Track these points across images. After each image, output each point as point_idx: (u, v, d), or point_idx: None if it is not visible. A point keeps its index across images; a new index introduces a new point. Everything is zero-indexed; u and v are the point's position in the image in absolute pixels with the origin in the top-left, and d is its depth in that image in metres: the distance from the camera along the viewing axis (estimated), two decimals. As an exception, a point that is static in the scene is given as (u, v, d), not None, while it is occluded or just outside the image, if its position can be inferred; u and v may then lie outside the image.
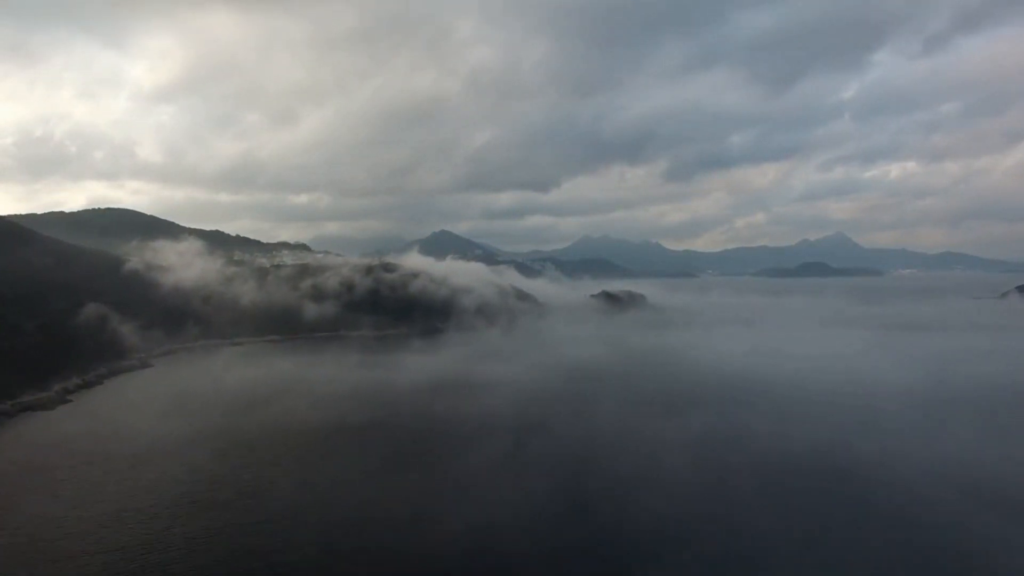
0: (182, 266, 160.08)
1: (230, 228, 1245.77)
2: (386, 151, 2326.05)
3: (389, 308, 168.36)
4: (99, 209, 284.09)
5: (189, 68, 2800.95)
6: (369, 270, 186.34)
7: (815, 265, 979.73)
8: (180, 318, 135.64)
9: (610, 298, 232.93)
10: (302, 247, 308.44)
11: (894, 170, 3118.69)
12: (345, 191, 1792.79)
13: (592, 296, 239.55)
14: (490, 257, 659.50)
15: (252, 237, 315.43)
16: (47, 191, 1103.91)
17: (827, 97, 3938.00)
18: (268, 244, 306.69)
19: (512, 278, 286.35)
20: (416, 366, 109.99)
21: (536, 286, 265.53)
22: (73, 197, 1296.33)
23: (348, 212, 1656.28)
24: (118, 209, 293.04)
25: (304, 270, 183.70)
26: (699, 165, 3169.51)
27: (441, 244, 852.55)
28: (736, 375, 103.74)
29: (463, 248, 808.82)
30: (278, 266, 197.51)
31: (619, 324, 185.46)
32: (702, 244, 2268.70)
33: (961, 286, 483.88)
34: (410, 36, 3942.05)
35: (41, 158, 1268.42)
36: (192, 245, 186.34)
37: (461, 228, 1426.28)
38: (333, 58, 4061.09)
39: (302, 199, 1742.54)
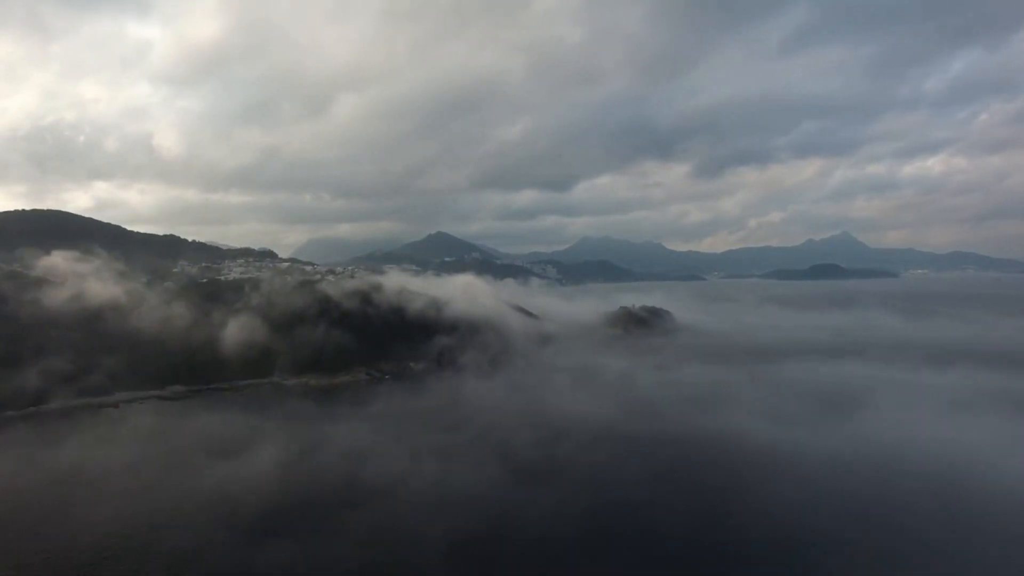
0: (64, 284, 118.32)
1: (236, 231, 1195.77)
2: (414, 147, 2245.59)
3: (346, 341, 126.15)
4: (24, 211, 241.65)
5: (223, 44, 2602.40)
6: (305, 285, 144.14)
7: (827, 267, 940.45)
8: (38, 363, 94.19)
9: (629, 317, 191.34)
10: (267, 255, 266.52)
11: (937, 165, 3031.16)
12: (361, 191, 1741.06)
13: (606, 313, 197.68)
14: (487, 261, 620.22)
15: (210, 243, 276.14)
16: (53, 191, 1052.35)
17: (918, 85, 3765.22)
18: (228, 251, 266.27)
19: (510, 290, 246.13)
20: (296, 448, 71.17)
21: (539, 303, 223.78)
22: (78, 197, 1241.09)
23: (362, 213, 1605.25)
24: (50, 211, 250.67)
25: (217, 289, 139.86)
26: (736, 161, 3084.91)
27: (437, 247, 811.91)
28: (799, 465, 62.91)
29: (460, 250, 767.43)
30: (208, 282, 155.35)
31: (637, 357, 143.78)
32: (708, 245, 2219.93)
33: (1003, 290, 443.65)
34: (492, 5, 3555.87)
35: (49, 154, 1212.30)
36: (89, 258, 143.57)
37: (470, 229, 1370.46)
38: (397, 31, 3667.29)
39: (318, 199, 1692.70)
